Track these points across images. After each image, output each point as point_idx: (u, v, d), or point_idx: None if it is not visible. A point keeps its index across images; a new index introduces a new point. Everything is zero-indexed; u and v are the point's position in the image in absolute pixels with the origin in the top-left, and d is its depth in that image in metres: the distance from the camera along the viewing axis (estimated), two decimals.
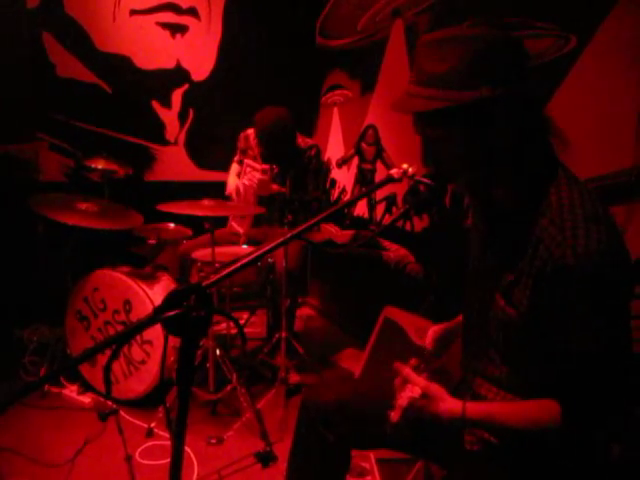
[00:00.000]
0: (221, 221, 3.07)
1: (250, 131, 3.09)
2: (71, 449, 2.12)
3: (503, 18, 2.39)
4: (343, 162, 3.97)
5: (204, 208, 2.44)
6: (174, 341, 0.84)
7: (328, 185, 4.10)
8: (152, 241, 2.84)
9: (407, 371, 1.16)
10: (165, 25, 3.70)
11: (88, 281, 2.65)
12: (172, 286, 2.70)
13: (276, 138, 2.89)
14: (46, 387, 2.63)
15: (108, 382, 2.41)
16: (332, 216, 2.93)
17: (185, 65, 3.82)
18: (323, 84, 4.23)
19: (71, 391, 2.63)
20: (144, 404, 2.52)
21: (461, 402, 1.08)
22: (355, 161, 3.81)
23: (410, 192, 1.16)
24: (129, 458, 1.87)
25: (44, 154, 3.46)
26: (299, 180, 2.93)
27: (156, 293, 2.55)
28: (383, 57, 3.45)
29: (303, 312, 3.93)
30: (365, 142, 3.68)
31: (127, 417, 2.44)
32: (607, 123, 1.99)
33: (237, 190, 3.03)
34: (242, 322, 3.40)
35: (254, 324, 3.48)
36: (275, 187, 2.95)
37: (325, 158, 4.06)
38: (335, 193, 4.09)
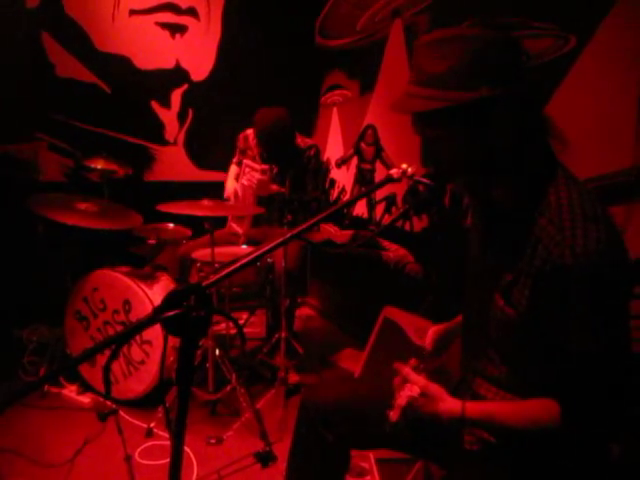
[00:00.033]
0: (220, 221, 3.07)
1: (249, 131, 3.09)
2: (70, 449, 2.13)
3: (503, 18, 2.39)
4: (342, 162, 3.97)
5: (203, 208, 2.43)
6: (173, 341, 0.84)
7: (327, 185, 4.10)
8: (151, 241, 2.84)
9: (406, 371, 1.16)
10: (164, 25, 3.70)
11: (88, 281, 2.65)
12: (171, 286, 2.70)
13: (275, 138, 2.89)
14: (45, 387, 2.63)
15: (107, 382, 2.40)
16: (331, 216, 2.92)
17: (184, 65, 3.82)
18: (322, 84, 4.23)
19: (70, 391, 2.63)
20: (143, 404, 2.51)
21: (460, 402, 1.08)
22: (354, 161, 3.81)
23: (409, 192, 1.16)
24: (128, 458, 1.87)
25: (43, 154, 3.46)
26: (298, 180, 2.93)
27: (155, 293, 2.55)
28: (382, 57, 3.45)
29: (302, 312, 3.93)
30: (364, 142, 3.68)
31: (126, 417, 2.43)
32: (607, 123, 1.99)
33: (235, 194, 3.04)
34: (241, 322, 3.40)
35: (253, 324, 3.47)
36: (274, 187, 2.95)
37: (324, 158, 4.06)
38: (334, 193, 4.09)
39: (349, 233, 3.62)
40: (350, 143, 3.85)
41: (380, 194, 3.54)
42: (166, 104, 3.82)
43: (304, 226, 1.07)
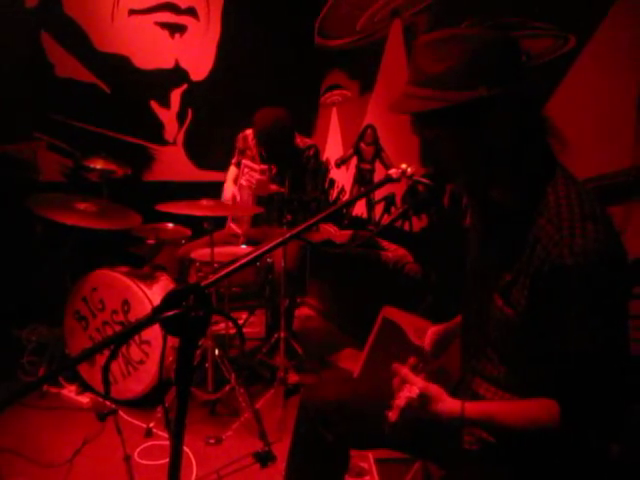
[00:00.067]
0: (220, 222, 3.07)
1: (249, 131, 3.09)
2: (70, 449, 2.12)
3: (502, 18, 2.39)
4: (342, 162, 3.97)
5: (203, 208, 2.43)
6: (173, 341, 0.84)
7: (327, 185, 4.10)
8: (151, 241, 2.83)
9: (405, 371, 1.16)
10: (164, 25, 3.70)
11: (87, 281, 2.65)
12: (171, 286, 2.70)
13: (275, 138, 2.89)
14: (45, 387, 2.62)
15: (107, 382, 2.40)
16: (331, 216, 2.92)
17: (184, 65, 3.82)
18: (322, 84, 4.23)
19: (70, 391, 2.63)
20: (143, 404, 2.51)
21: (460, 402, 1.08)
22: (354, 161, 3.81)
23: (409, 192, 1.16)
24: (128, 458, 1.87)
25: (42, 154, 3.46)
26: (298, 180, 2.93)
27: (155, 293, 2.55)
28: (382, 57, 3.45)
29: (302, 312, 3.93)
30: (364, 142, 3.68)
31: (126, 417, 2.43)
32: (606, 123, 1.99)
33: (234, 198, 3.04)
34: (241, 322, 3.40)
35: (253, 324, 3.47)
36: (274, 187, 2.95)
37: (324, 158, 4.06)
38: (334, 193, 4.09)
39: (348, 233, 3.62)
40: (349, 143, 3.85)
41: (379, 194, 3.54)
42: (165, 104, 3.82)
43: (303, 226, 1.07)
